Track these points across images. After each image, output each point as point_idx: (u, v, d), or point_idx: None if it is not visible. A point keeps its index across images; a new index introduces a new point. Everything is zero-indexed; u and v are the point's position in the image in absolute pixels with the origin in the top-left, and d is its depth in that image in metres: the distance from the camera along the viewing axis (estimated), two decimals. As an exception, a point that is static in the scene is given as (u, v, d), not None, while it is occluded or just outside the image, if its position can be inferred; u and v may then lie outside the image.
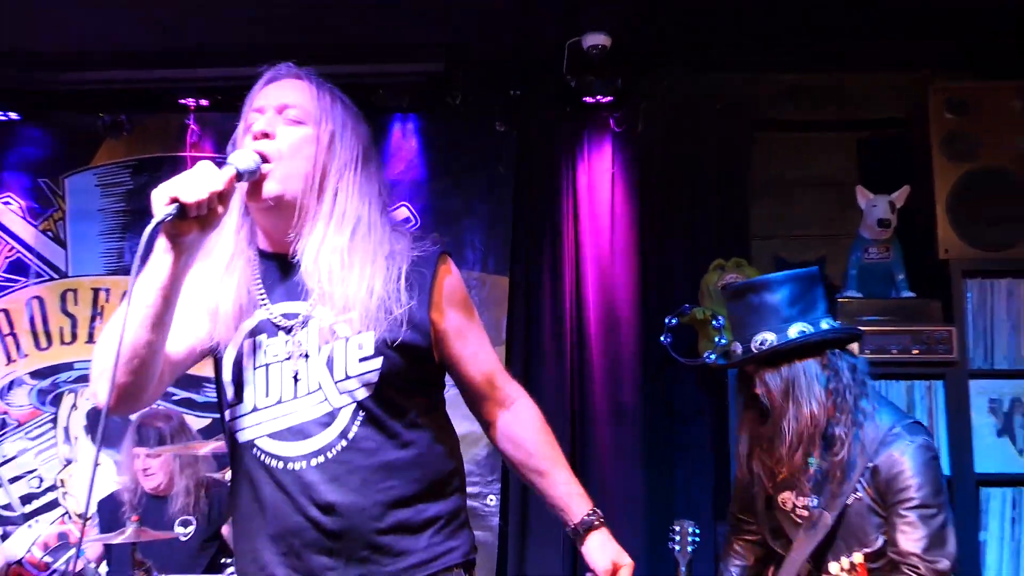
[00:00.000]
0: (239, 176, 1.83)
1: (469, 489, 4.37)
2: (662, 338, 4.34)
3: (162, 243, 1.74)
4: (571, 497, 2.12)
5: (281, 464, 1.94)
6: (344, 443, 1.93)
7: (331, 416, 1.93)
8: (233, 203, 1.87)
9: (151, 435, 4.07)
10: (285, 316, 1.97)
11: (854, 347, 3.88)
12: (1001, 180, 4.11)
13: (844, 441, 2.44)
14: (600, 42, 4.10)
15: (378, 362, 1.92)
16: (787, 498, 2.58)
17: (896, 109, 4.50)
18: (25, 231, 4.82)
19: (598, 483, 4.43)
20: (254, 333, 1.97)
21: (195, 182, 1.72)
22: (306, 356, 1.94)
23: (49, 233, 4.83)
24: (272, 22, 4.09)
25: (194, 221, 1.73)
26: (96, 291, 4.78)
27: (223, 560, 3.71)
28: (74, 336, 4.75)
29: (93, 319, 4.75)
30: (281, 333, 1.96)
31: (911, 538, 2.37)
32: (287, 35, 4.19)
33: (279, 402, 1.95)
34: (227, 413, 2.01)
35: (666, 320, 4.33)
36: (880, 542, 2.41)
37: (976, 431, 3.97)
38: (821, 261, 4.50)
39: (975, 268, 4.09)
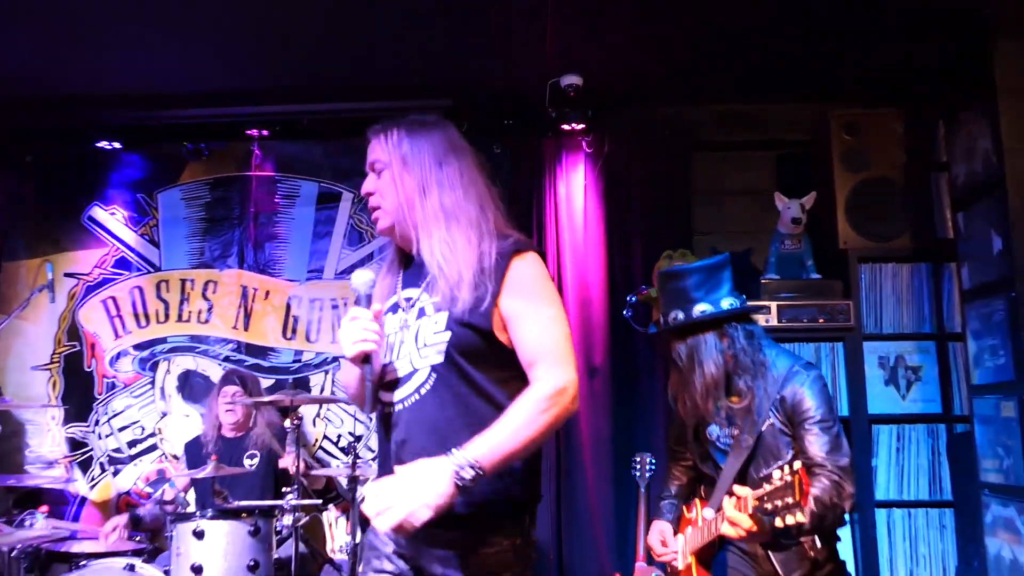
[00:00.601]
0: (370, 295, 2.00)
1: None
2: (624, 312, 4.38)
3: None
4: (477, 441, 1.79)
5: (384, 407, 2.01)
6: (418, 396, 1.93)
7: (412, 373, 1.95)
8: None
9: (237, 379, 4.15)
10: (406, 300, 2.03)
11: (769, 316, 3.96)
12: (887, 186, 4.13)
13: (749, 390, 2.48)
14: (575, 82, 4.12)
15: (447, 336, 1.90)
16: (714, 430, 2.62)
17: (805, 132, 4.51)
18: (127, 235, 4.83)
19: (575, 425, 4.45)
20: (389, 311, 2.06)
21: (363, 332, 1.91)
22: (407, 328, 1.99)
23: (146, 236, 4.83)
24: (318, 67, 4.11)
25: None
26: (183, 281, 4.78)
27: (283, 489, 3.77)
28: (167, 316, 4.76)
29: (181, 303, 4.76)
30: (400, 311, 2.03)
31: (816, 446, 2.39)
32: (329, 78, 4.22)
33: (391, 362, 2.00)
34: None
35: (627, 298, 4.38)
36: (789, 455, 2.43)
37: (869, 381, 4.01)
38: (748, 252, 4.53)
39: (867, 255, 4.11)
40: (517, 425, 1.79)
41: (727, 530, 2.24)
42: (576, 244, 4.57)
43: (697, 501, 2.62)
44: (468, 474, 1.73)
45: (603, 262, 4.53)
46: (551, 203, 4.62)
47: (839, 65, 4.08)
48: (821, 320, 3.99)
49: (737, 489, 2.21)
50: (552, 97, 4.20)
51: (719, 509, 2.42)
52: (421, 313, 1.97)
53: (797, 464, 2.05)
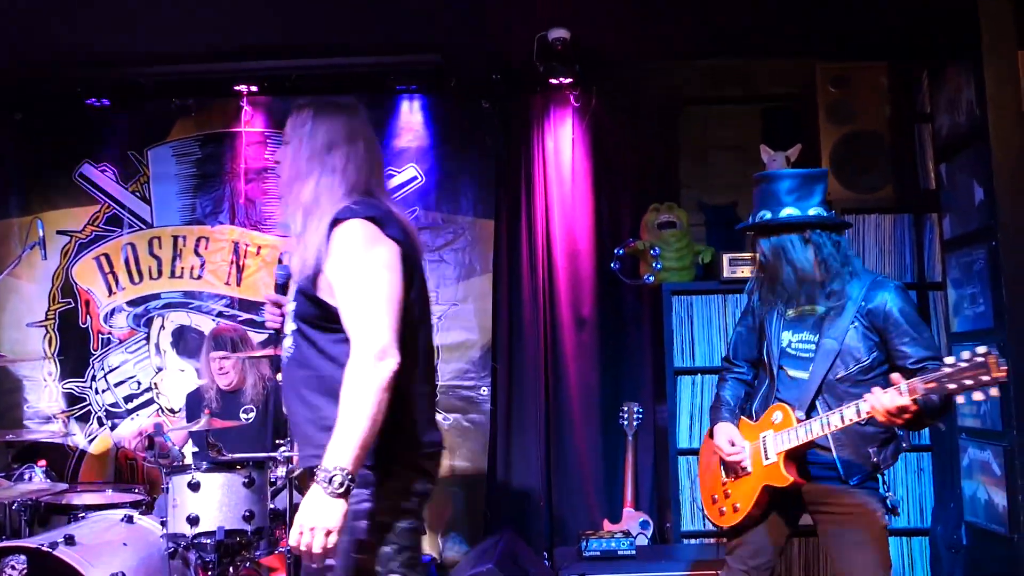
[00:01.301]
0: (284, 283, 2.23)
1: (466, 383, 4.50)
2: (612, 264, 4.35)
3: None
4: (329, 449, 1.82)
5: None
6: (287, 360, 2.05)
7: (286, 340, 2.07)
8: None
9: (225, 342, 4.06)
10: None
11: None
12: (871, 139, 4.07)
13: (839, 294, 2.50)
14: (562, 36, 4.01)
15: (294, 304, 2.02)
16: (786, 336, 2.59)
17: (791, 85, 4.43)
18: (118, 192, 4.71)
19: (566, 376, 4.44)
20: None
21: (265, 315, 2.28)
22: None
23: (137, 193, 4.71)
24: (307, 23, 3.99)
25: None
26: (175, 238, 4.68)
27: (276, 441, 3.71)
28: (160, 273, 4.67)
29: (174, 259, 4.66)
30: None
31: (920, 346, 2.44)
32: (320, 34, 4.11)
33: None
34: None
35: (615, 250, 4.34)
36: (870, 359, 2.46)
37: (852, 330, 4.01)
38: (733, 205, 4.49)
39: (851, 207, 4.06)
40: (347, 411, 1.82)
41: (880, 414, 2.29)
42: (564, 198, 4.51)
43: (783, 407, 2.54)
44: (337, 481, 1.77)
45: (591, 215, 4.49)
46: (539, 158, 4.55)
47: (825, 19, 3.98)
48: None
49: (894, 377, 2.30)
50: (540, 51, 4.09)
51: (810, 410, 2.47)
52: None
53: (982, 348, 2.17)
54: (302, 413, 1.98)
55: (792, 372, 2.57)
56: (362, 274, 1.90)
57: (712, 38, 4.24)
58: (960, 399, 2.23)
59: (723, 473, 2.68)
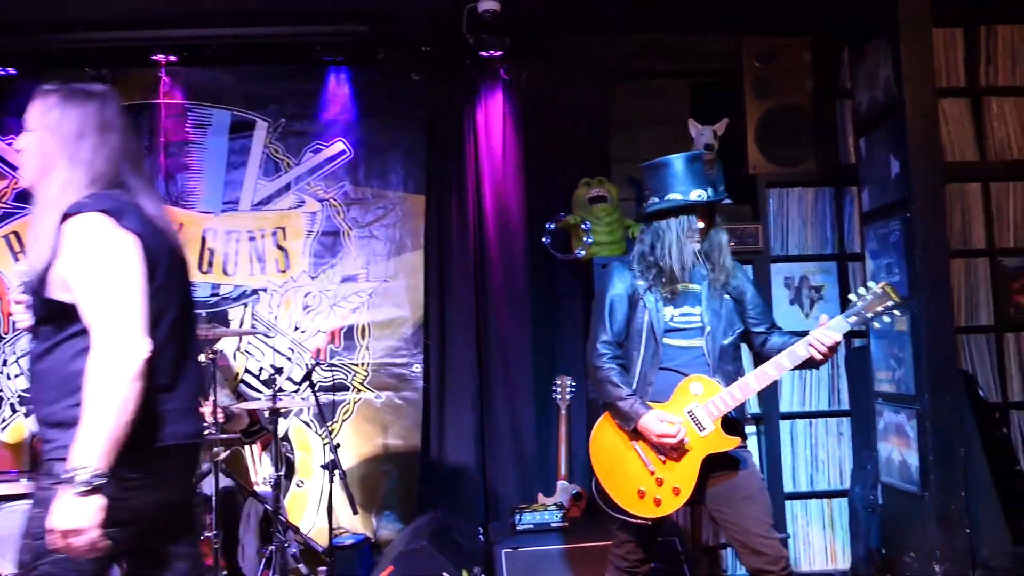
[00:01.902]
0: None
1: (398, 360, 4.48)
2: (543, 239, 4.39)
3: None
4: (74, 447, 1.76)
5: None
6: (29, 353, 2.00)
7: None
8: None
9: None
10: None
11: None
12: (795, 113, 4.19)
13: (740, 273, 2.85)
14: (492, 7, 3.93)
15: (29, 300, 1.94)
16: (668, 311, 2.70)
17: (718, 61, 4.47)
18: (28, 167, 4.57)
19: (499, 351, 4.45)
20: None
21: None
22: None
23: (49, 168, 4.58)
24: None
25: None
26: (92, 214, 4.57)
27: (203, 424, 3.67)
28: (75, 251, 4.55)
29: (91, 237, 4.56)
30: None
31: (767, 313, 2.84)
32: (243, 1, 4.01)
33: None
34: None
35: (546, 225, 4.37)
36: (741, 326, 2.77)
37: (775, 300, 4.12)
38: (663, 179, 4.59)
39: (775, 180, 4.18)
40: (91, 405, 1.76)
41: (822, 353, 2.59)
42: (495, 172, 4.49)
43: (701, 378, 2.62)
44: (81, 479, 1.71)
45: (522, 190, 4.47)
46: (470, 132, 4.51)
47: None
48: (732, 243, 3.96)
49: (823, 318, 2.64)
50: (470, 23, 4.03)
51: (704, 373, 2.65)
52: None
53: (872, 283, 2.66)
54: (39, 410, 1.91)
55: (678, 342, 2.69)
56: (97, 266, 1.84)
57: (643, 13, 4.24)
58: (876, 325, 2.69)
59: (649, 463, 2.63)
